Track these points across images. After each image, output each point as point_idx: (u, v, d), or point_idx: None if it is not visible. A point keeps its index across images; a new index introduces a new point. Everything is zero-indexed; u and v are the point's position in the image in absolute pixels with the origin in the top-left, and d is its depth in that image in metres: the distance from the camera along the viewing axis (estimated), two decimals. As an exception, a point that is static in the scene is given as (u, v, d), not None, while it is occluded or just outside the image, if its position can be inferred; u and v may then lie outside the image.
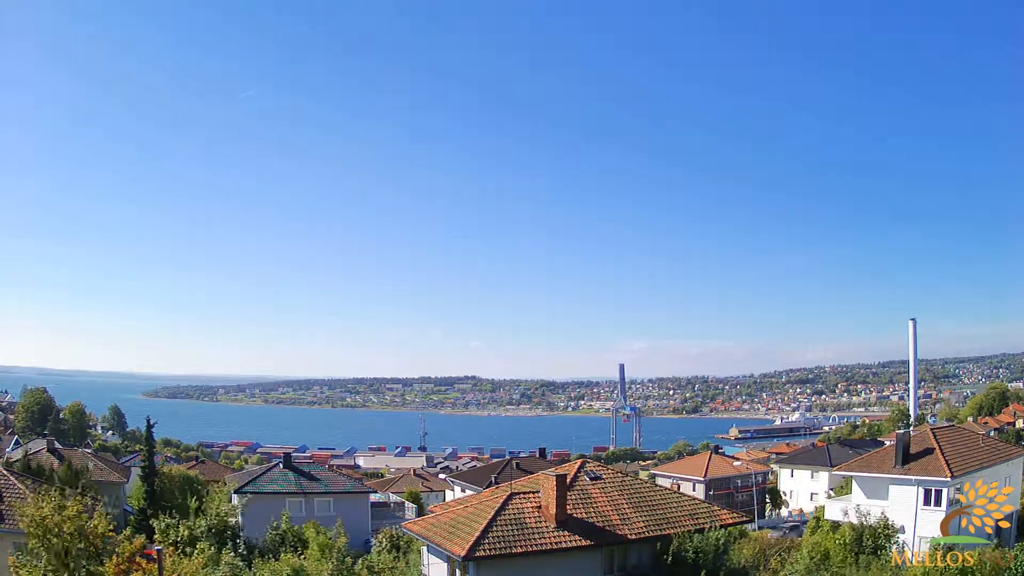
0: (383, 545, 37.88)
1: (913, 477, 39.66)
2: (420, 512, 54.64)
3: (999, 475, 41.00)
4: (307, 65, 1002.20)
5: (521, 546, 24.33)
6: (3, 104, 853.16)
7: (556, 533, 25.28)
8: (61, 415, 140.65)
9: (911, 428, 76.50)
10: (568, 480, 27.90)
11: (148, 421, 53.94)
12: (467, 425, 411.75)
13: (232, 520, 37.37)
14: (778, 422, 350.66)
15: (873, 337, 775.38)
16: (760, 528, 60.25)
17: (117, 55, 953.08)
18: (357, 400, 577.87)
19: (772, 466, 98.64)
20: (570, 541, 25.20)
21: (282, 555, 28.54)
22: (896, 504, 40.08)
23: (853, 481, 44.50)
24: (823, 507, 47.50)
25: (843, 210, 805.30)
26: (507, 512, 25.67)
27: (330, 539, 30.53)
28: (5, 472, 35.48)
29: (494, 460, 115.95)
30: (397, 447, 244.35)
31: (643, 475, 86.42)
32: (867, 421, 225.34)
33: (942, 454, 39.94)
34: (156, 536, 32.66)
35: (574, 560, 25.48)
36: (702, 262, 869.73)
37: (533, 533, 25.02)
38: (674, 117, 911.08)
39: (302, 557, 29.23)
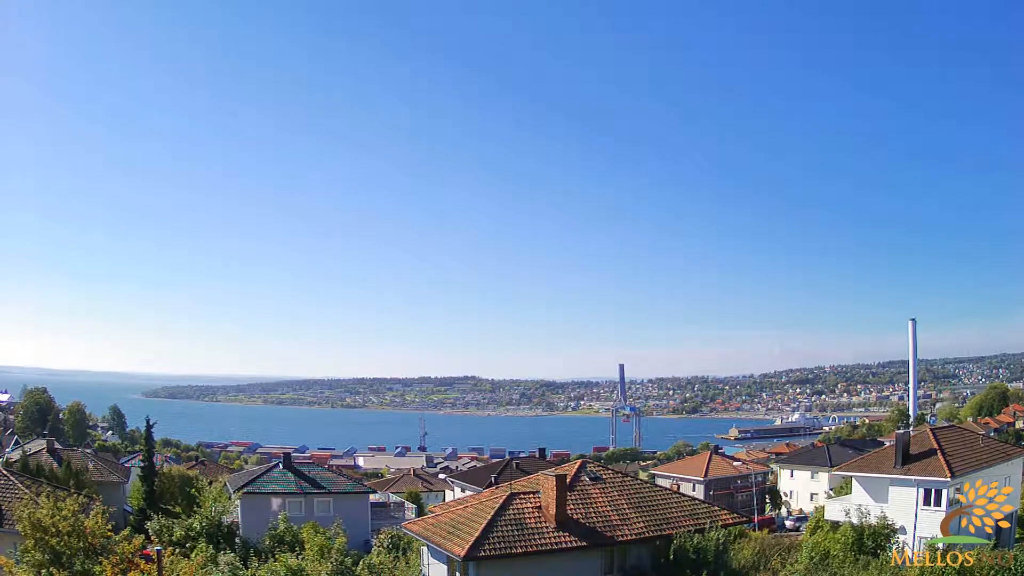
0: (383, 545, 37.81)
1: (913, 477, 39.53)
2: (420, 512, 54.55)
3: (999, 475, 40.90)
4: (311, 64, 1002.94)
5: (521, 546, 24.28)
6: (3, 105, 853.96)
7: (556, 534, 25.23)
8: (61, 415, 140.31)
9: (911, 428, 76.60)
10: (568, 480, 27.86)
11: (148, 421, 53.95)
12: (467, 425, 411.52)
13: (227, 519, 37.21)
14: (778, 422, 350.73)
15: (873, 337, 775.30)
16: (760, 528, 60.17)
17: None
18: (357, 400, 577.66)
19: (772, 466, 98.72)
20: (570, 542, 25.15)
21: (279, 555, 28.33)
22: (896, 504, 40.01)
23: (853, 481, 44.40)
24: (823, 507, 47.39)
25: (843, 211, 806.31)
26: (507, 512, 25.63)
27: (329, 539, 30.37)
28: (5, 472, 35.43)
29: (494, 460, 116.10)
30: (397, 447, 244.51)
31: (643, 475, 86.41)
32: (867, 421, 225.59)
33: (942, 454, 39.83)
34: (152, 536, 32.54)
35: (574, 560, 25.44)
36: (702, 262, 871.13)
37: (533, 533, 24.98)
38: (676, 116, 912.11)
39: (300, 558, 29.07)
